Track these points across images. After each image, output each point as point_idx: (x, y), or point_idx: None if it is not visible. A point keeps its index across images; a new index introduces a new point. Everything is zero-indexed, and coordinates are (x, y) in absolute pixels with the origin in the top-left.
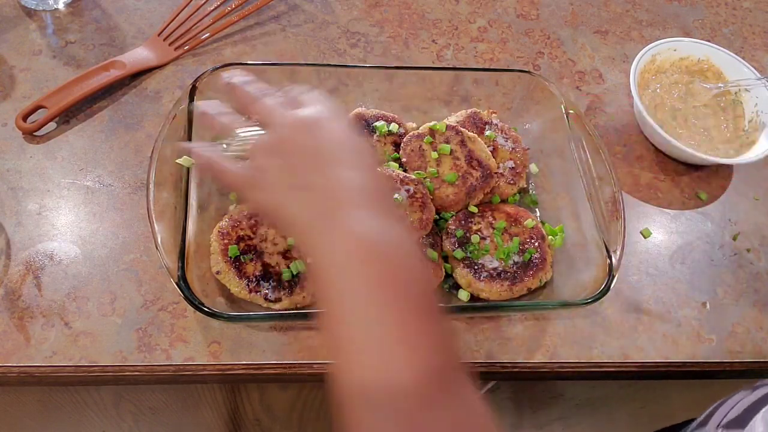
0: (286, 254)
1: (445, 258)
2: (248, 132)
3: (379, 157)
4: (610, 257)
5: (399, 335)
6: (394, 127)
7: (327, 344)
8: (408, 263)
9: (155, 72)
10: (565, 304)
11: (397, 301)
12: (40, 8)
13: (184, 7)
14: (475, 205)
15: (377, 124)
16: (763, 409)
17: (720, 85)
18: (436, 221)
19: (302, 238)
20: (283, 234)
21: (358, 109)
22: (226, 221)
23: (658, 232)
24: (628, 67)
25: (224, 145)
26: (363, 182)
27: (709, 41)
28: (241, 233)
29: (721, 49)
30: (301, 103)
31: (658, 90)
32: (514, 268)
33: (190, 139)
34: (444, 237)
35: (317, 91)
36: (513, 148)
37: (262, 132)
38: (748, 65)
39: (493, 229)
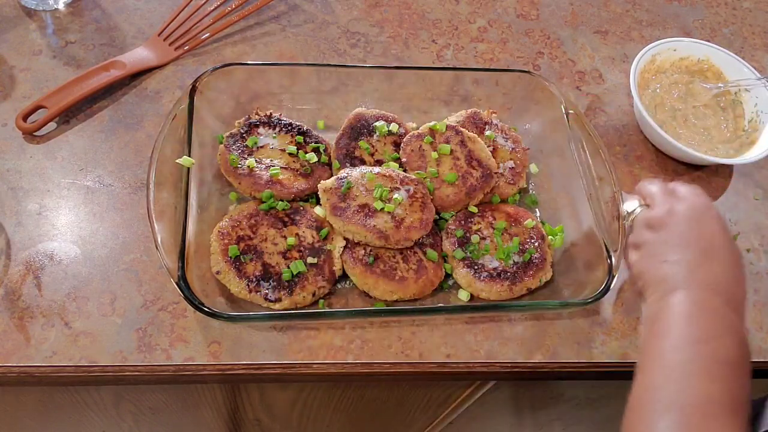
0: (286, 254)
1: (445, 258)
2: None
3: (739, 253)
4: (610, 257)
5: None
6: (394, 127)
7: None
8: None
9: (155, 72)
10: (565, 304)
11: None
12: (40, 8)
13: (184, 7)
14: (475, 205)
15: (377, 124)
16: None
17: (720, 85)
18: (436, 221)
19: (651, 288)
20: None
21: (358, 109)
22: (226, 221)
23: None
24: (628, 67)
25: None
26: (718, 271)
27: (709, 41)
28: (241, 233)
29: (721, 49)
30: (677, 193)
31: (658, 90)
32: (514, 268)
33: (189, 138)
34: (444, 237)
35: (692, 185)
36: (513, 148)
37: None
38: (748, 65)
39: (493, 229)
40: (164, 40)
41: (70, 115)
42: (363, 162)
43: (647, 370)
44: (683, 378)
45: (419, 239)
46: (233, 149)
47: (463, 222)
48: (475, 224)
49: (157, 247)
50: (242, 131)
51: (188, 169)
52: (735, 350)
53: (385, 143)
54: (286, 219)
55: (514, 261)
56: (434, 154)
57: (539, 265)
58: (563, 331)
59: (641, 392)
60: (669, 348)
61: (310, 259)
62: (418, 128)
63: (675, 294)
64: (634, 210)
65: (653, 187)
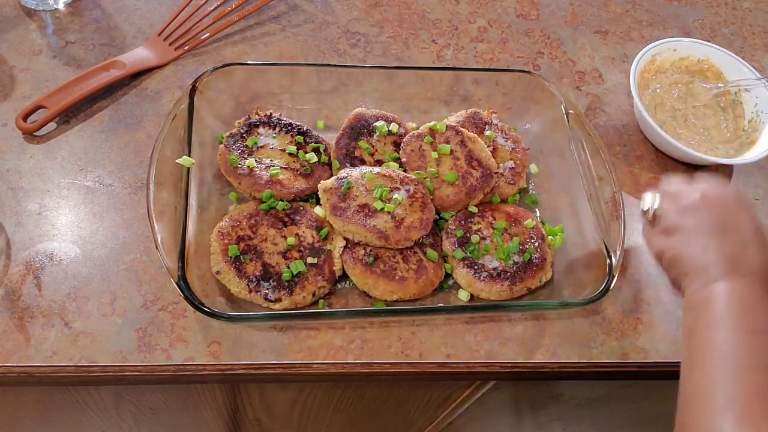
0: (286, 254)
1: (445, 258)
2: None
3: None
4: (610, 257)
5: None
6: (394, 127)
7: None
8: None
9: (155, 72)
10: (565, 304)
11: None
12: (40, 8)
13: (184, 7)
14: (475, 205)
15: (377, 124)
16: None
17: (720, 85)
18: (436, 221)
19: (691, 274)
20: (669, 270)
21: (358, 109)
22: (226, 221)
23: None
24: (628, 67)
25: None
26: (759, 260)
27: (709, 41)
28: (241, 233)
29: (721, 49)
30: (702, 182)
31: (658, 90)
32: (514, 268)
33: (189, 138)
34: (444, 237)
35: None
36: (513, 148)
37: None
38: (748, 65)
39: (493, 229)
40: (164, 40)
41: (70, 115)
42: (363, 162)
43: (701, 363)
44: (742, 371)
45: (419, 239)
46: (233, 149)
47: (463, 222)
48: (475, 224)
49: (157, 247)
50: (242, 131)
51: (188, 169)
52: None
53: (385, 143)
54: (286, 219)
55: (514, 261)
56: (434, 154)
57: (539, 265)
58: (563, 331)
59: (698, 387)
60: (723, 340)
61: (310, 259)
62: (418, 128)
63: (720, 283)
64: (653, 203)
65: (675, 182)
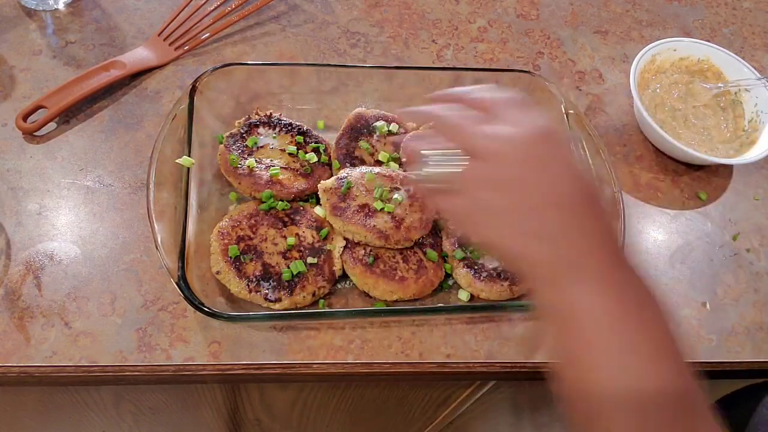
0: (286, 254)
1: (445, 258)
2: (449, 156)
3: (597, 191)
4: None
5: (644, 346)
6: (394, 127)
7: (561, 349)
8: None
9: (155, 72)
10: None
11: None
12: (40, 8)
13: (184, 7)
14: None
15: (377, 124)
16: None
17: (720, 85)
18: (436, 221)
19: (538, 280)
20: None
21: (358, 109)
22: (226, 221)
23: (658, 232)
24: (628, 67)
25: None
26: (602, 229)
27: (709, 41)
28: (241, 233)
29: (721, 49)
30: (502, 119)
31: (658, 90)
32: None
33: (189, 138)
34: (444, 237)
35: (512, 94)
36: None
37: (467, 158)
38: (748, 65)
39: None
40: (164, 40)
41: (70, 115)
42: (363, 162)
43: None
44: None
45: (419, 239)
46: (233, 149)
47: None
48: None
49: (157, 247)
50: (242, 131)
51: (188, 169)
52: (667, 330)
53: (385, 143)
54: (286, 219)
55: None
56: None
57: None
58: None
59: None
60: (607, 379)
61: (310, 259)
62: (418, 128)
63: (577, 287)
64: (434, 156)
65: (456, 118)
